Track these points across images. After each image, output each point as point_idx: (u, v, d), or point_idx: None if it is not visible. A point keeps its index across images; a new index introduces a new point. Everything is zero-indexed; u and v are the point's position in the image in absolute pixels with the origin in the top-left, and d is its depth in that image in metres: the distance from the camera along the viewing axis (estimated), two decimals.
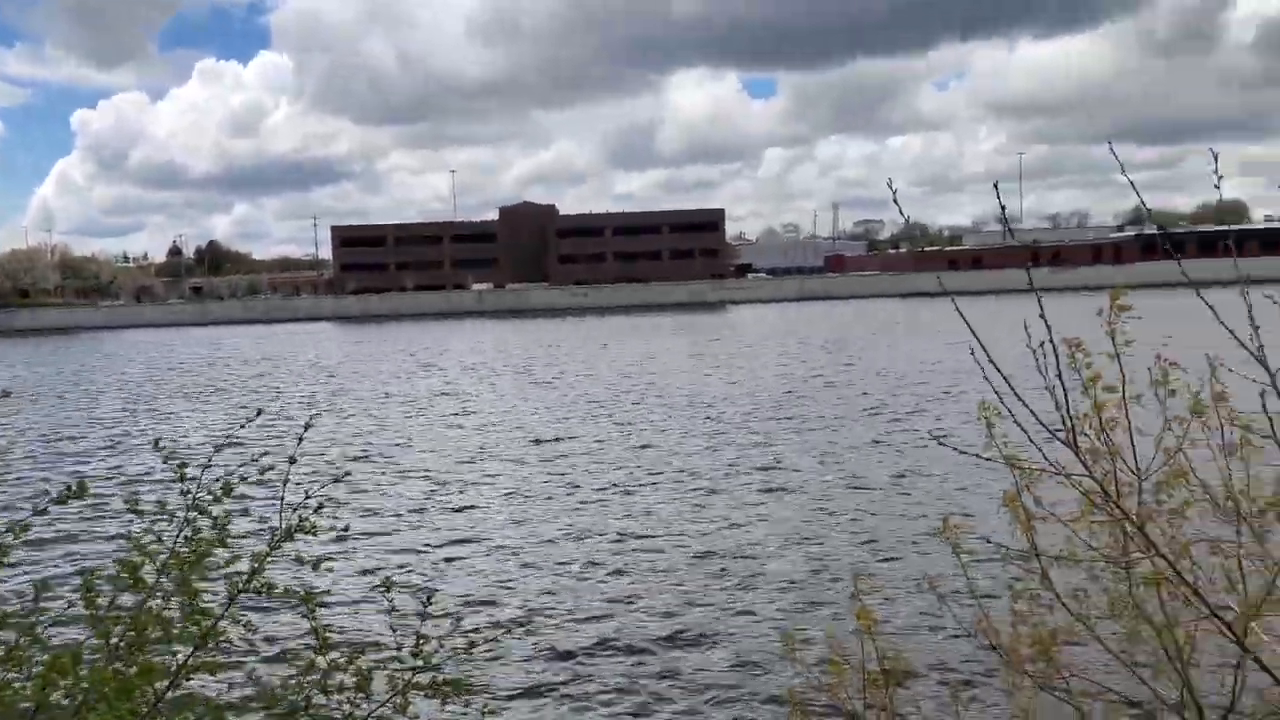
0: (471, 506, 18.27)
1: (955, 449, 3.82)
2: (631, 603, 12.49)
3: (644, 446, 23.75)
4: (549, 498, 18.75)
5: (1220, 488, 3.76)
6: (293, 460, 4.31)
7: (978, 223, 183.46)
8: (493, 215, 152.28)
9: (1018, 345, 3.51)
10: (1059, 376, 3.03)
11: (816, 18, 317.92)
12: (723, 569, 13.67)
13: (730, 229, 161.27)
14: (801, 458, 21.45)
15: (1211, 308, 3.08)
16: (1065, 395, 3.09)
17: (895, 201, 3.56)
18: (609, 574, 13.79)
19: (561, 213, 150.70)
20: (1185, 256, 3.91)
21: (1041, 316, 3.04)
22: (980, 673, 9.13)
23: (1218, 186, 3.13)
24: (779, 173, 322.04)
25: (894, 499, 17.14)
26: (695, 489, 18.90)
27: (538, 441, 25.24)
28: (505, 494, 19.23)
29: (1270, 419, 3.25)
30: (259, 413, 5.32)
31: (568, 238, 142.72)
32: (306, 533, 3.96)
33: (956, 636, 9.76)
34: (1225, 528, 3.81)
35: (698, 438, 24.79)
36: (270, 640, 10.66)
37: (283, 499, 4.08)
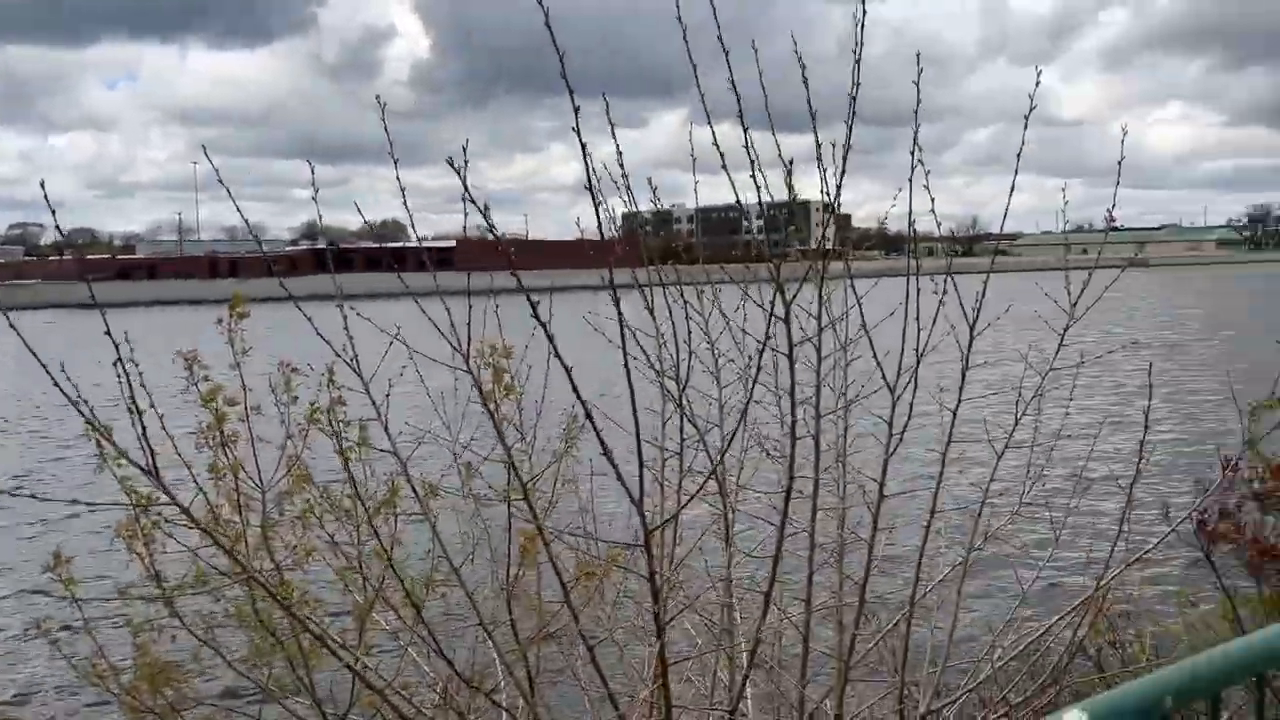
0: None
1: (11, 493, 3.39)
2: None
3: None
4: None
5: (339, 491, 3.89)
6: None
7: (151, 230, 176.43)
8: None
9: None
10: (85, 403, 2.79)
11: None
12: None
13: None
14: None
15: (309, 319, 3.13)
16: (94, 415, 2.88)
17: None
18: None
19: None
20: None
21: (125, 339, 2.79)
22: None
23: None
24: None
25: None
26: None
27: None
28: None
29: (333, 422, 3.43)
30: None
31: None
32: None
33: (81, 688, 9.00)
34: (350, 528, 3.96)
35: None
36: None
37: None
